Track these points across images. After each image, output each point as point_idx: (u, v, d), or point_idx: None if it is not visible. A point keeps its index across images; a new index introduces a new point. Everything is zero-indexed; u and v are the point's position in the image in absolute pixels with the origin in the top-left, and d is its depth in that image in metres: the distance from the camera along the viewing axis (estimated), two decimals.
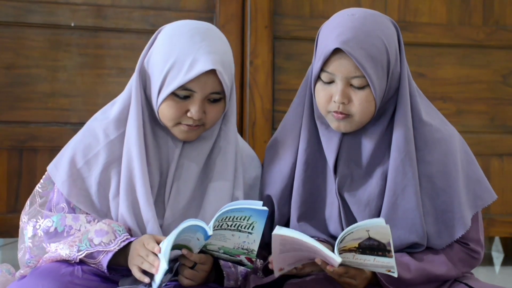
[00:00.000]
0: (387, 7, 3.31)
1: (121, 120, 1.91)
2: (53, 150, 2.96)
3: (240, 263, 1.79)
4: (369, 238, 1.67)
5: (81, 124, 2.85)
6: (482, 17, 3.43)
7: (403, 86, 1.88)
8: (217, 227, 1.70)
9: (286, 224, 1.98)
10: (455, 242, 1.91)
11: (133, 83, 1.90)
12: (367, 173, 1.91)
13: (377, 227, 1.65)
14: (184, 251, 1.73)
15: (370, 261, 1.69)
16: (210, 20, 3.12)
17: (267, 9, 3.17)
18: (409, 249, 1.89)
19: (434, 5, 3.39)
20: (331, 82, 1.86)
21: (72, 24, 3.02)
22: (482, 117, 3.42)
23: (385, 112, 1.91)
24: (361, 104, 1.84)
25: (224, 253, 1.76)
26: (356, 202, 1.89)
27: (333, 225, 1.93)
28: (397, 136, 1.86)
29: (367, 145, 1.91)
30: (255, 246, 1.75)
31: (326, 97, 1.86)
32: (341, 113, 1.85)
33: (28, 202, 1.97)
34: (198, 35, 1.85)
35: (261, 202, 1.72)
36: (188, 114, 1.85)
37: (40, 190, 1.96)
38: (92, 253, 1.78)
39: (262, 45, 3.16)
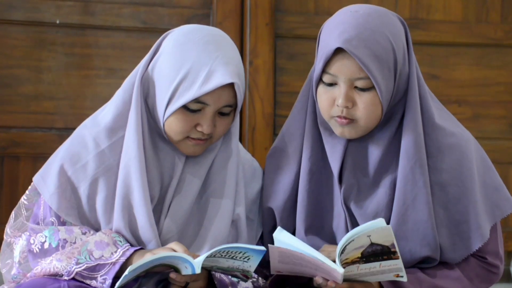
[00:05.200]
0: (397, 3, 3.32)
1: (113, 129, 1.90)
2: (37, 157, 2.97)
3: (235, 275, 1.81)
4: (372, 244, 1.67)
5: (67, 129, 2.86)
6: (500, 14, 3.44)
7: (412, 88, 1.87)
8: (209, 256, 1.71)
9: None
10: (472, 256, 1.90)
11: (134, 91, 1.88)
12: (374, 182, 1.91)
13: (378, 230, 1.66)
14: (172, 275, 1.74)
15: (376, 268, 1.70)
16: (206, 17, 3.13)
17: (268, 5, 3.18)
18: (421, 264, 1.89)
19: (448, 1, 3.39)
20: (333, 84, 1.85)
21: (57, 21, 3.02)
22: (501, 122, 3.43)
23: (393, 116, 1.90)
24: (366, 108, 1.83)
25: (217, 268, 1.77)
26: (363, 213, 1.89)
27: (340, 237, 1.92)
28: (406, 142, 1.86)
29: (374, 152, 1.90)
30: (251, 269, 1.76)
31: (329, 101, 1.86)
32: (345, 118, 1.84)
33: (12, 214, 1.97)
34: (212, 44, 1.84)
35: (260, 247, 1.72)
36: (199, 128, 1.85)
37: (26, 202, 1.96)
38: (93, 266, 1.78)
39: (263, 44, 3.17)
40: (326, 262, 1.66)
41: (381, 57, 1.80)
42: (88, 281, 1.78)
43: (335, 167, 1.93)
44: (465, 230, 1.88)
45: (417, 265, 1.89)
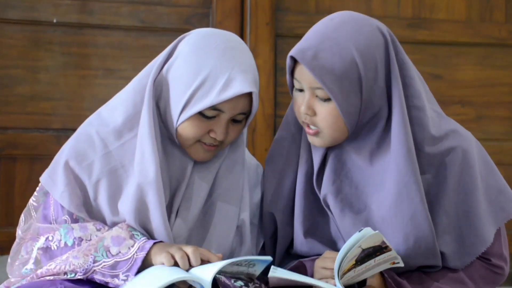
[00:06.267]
0: (400, 3, 3.31)
1: (123, 131, 1.90)
2: (33, 159, 2.96)
3: (239, 278, 1.81)
4: (363, 250, 1.68)
5: (64, 130, 2.84)
6: (504, 13, 3.44)
7: (395, 103, 1.83)
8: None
9: (291, 243, 1.99)
10: (475, 258, 1.90)
11: (146, 93, 1.87)
12: (355, 193, 1.89)
13: (367, 239, 1.67)
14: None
15: (372, 263, 1.71)
16: (206, 16, 3.13)
17: (269, 4, 3.17)
18: (425, 268, 1.89)
19: (452, 0, 3.39)
20: (302, 90, 1.85)
21: (55, 21, 3.02)
22: (505, 123, 3.42)
23: (374, 127, 1.87)
24: (325, 119, 1.82)
25: (221, 273, 1.78)
26: (343, 225, 1.89)
27: (338, 240, 1.92)
28: (397, 159, 1.82)
29: (355, 161, 1.89)
30: (256, 273, 1.77)
31: (298, 106, 1.87)
32: (309, 126, 1.85)
33: (22, 217, 1.96)
34: (231, 50, 1.84)
35: (267, 257, 1.72)
36: (212, 135, 1.86)
37: (34, 203, 1.95)
38: (111, 264, 1.77)
39: (263, 43, 3.16)
40: (325, 287, 1.67)
41: (338, 70, 1.78)
42: (109, 279, 1.78)
43: (314, 171, 1.93)
44: (469, 236, 1.87)
45: (420, 268, 1.89)
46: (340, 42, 1.78)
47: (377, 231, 1.67)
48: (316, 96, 1.82)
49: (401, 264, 1.74)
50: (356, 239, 1.67)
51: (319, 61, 1.78)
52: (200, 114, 1.83)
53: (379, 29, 1.84)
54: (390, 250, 1.70)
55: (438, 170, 1.87)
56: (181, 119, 1.84)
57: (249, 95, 1.84)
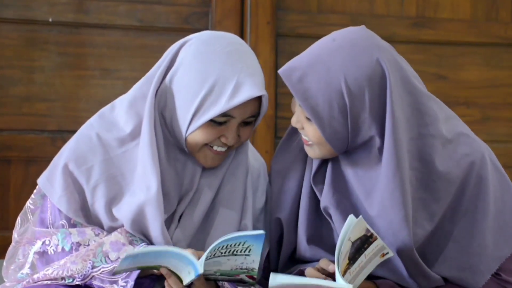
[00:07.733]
0: (404, 2, 3.30)
1: (125, 139, 1.90)
2: (29, 161, 2.95)
3: (241, 281, 1.80)
4: (353, 244, 1.68)
5: (60, 131, 2.83)
6: (510, 13, 3.43)
7: (388, 139, 1.78)
8: (210, 257, 1.70)
9: (295, 249, 1.98)
10: None
11: (147, 104, 1.86)
12: (362, 208, 1.87)
13: (354, 229, 1.67)
14: (171, 281, 1.72)
15: (363, 260, 1.71)
16: (205, 15, 3.12)
17: (269, 3, 3.16)
18: None
19: None
20: None
21: (50, 20, 3.01)
22: (510, 125, 3.41)
23: (368, 151, 1.85)
24: (310, 136, 1.84)
25: (221, 275, 1.76)
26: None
27: None
28: (383, 194, 1.80)
29: (355, 175, 1.88)
30: (255, 265, 1.75)
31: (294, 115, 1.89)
32: (303, 136, 1.87)
33: (18, 220, 1.96)
34: (235, 54, 1.84)
35: (258, 231, 1.71)
36: (223, 140, 1.87)
37: (31, 206, 1.95)
38: (110, 270, 1.77)
39: (264, 43, 3.16)
40: (332, 285, 1.66)
41: (322, 96, 1.78)
42: (108, 286, 1.78)
43: (311, 180, 1.94)
44: (477, 263, 1.85)
45: None
46: (330, 69, 1.77)
47: (360, 217, 1.67)
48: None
49: (391, 254, 1.74)
50: (344, 231, 1.67)
51: (304, 85, 1.78)
52: (211, 121, 1.84)
53: (378, 61, 1.78)
54: (376, 238, 1.70)
55: (453, 196, 1.85)
56: (191, 128, 1.84)
57: (258, 97, 1.85)
